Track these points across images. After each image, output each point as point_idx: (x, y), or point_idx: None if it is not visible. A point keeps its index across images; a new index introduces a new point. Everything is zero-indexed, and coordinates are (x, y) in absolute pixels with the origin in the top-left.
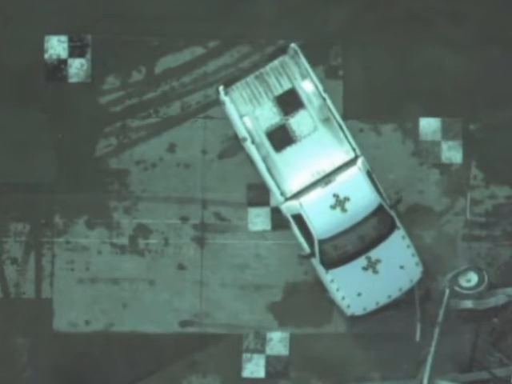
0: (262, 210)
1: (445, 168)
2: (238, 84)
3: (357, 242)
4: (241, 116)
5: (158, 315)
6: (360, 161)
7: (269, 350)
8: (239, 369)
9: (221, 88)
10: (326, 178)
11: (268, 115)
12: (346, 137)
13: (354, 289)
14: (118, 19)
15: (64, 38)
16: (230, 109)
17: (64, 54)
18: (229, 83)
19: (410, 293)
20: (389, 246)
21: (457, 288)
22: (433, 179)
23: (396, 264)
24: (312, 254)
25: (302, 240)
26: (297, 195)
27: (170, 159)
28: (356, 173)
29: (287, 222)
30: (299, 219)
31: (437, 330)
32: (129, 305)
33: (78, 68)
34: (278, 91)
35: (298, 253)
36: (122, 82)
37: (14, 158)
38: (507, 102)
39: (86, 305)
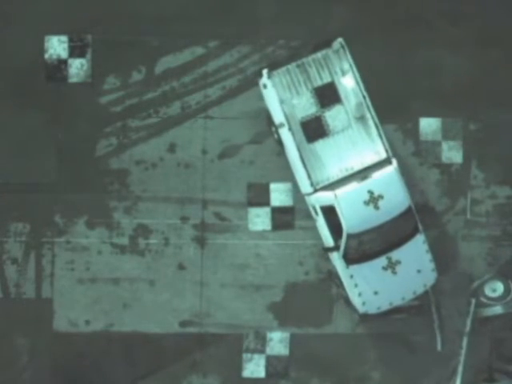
0: (261, 210)
1: (445, 168)
2: (279, 70)
3: (381, 241)
4: (281, 101)
5: (158, 315)
6: (395, 161)
7: (269, 350)
8: (239, 369)
9: (265, 71)
10: (361, 174)
11: (305, 105)
12: (381, 137)
13: (372, 287)
14: (118, 19)
15: (64, 38)
16: (271, 92)
17: (64, 54)
18: (272, 67)
19: (422, 297)
20: (409, 249)
21: (482, 298)
22: (433, 179)
23: (414, 267)
24: (336, 248)
25: (326, 232)
26: (326, 188)
27: (170, 159)
28: (392, 172)
29: (314, 212)
30: (329, 211)
31: (465, 340)
32: (129, 305)
33: (78, 68)
34: (318, 83)
35: (323, 245)
36: (122, 82)
37: (13, 158)
38: (507, 101)
39: (86, 305)
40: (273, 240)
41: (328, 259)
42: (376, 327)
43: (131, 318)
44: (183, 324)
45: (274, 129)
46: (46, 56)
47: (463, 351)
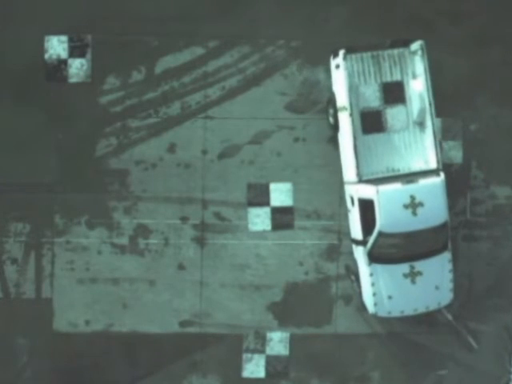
0: (261, 209)
1: (445, 168)
2: (353, 56)
3: (409, 248)
4: (349, 86)
5: (158, 315)
6: (443, 175)
7: (269, 350)
8: (239, 369)
9: (342, 51)
10: (407, 177)
11: (370, 96)
12: (436, 147)
13: (388, 290)
14: (117, 19)
15: (64, 38)
16: (342, 74)
17: (64, 54)
18: (349, 50)
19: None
20: (434, 263)
21: None
22: None
23: (434, 282)
24: (363, 243)
25: (357, 225)
26: (369, 182)
27: (170, 159)
28: (439, 183)
29: (350, 202)
30: (367, 205)
31: None
32: (129, 305)
33: (78, 68)
34: (387, 79)
35: (351, 236)
36: (122, 82)
37: (13, 158)
38: (507, 102)
39: (85, 305)
40: (273, 240)
41: (327, 260)
42: (377, 327)
43: (131, 318)
44: (183, 324)
45: (331, 111)
46: (46, 56)
47: None
